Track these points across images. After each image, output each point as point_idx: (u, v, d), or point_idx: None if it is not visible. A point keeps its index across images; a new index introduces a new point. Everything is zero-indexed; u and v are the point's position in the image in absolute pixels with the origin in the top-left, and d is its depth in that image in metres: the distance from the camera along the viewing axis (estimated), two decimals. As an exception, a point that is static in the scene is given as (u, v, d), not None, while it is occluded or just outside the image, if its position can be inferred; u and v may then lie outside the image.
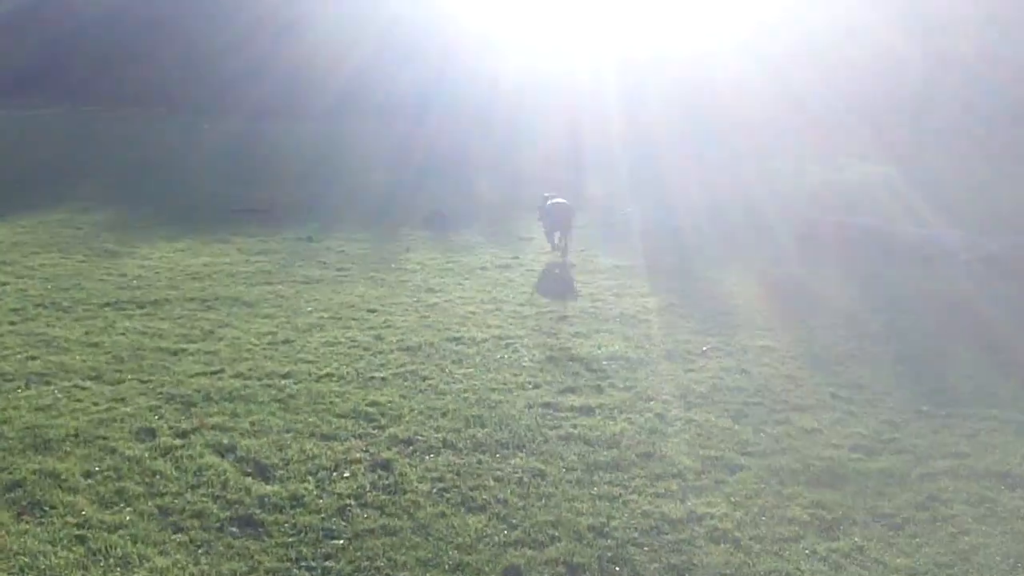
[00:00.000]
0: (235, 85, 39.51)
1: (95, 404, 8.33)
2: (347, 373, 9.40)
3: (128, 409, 8.18)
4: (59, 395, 8.50)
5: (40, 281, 12.87)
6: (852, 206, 19.47)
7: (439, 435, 7.88)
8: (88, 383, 8.85)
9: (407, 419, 8.20)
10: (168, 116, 38.41)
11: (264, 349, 10.10)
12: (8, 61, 48.83)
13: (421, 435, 7.86)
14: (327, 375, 9.32)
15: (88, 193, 20.72)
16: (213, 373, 9.22)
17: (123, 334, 10.53)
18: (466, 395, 8.88)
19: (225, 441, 7.59)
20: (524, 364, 9.89)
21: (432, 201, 19.86)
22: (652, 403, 8.87)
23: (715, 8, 36.44)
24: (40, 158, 25.72)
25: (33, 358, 9.51)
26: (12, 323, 10.87)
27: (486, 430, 8.03)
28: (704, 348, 10.68)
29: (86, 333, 10.53)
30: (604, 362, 10.00)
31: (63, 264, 13.93)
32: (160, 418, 8.01)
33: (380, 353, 10.08)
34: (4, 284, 12.64)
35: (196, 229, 17.03)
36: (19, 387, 8.69)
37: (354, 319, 11.48)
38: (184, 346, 10.10)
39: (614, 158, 25.96)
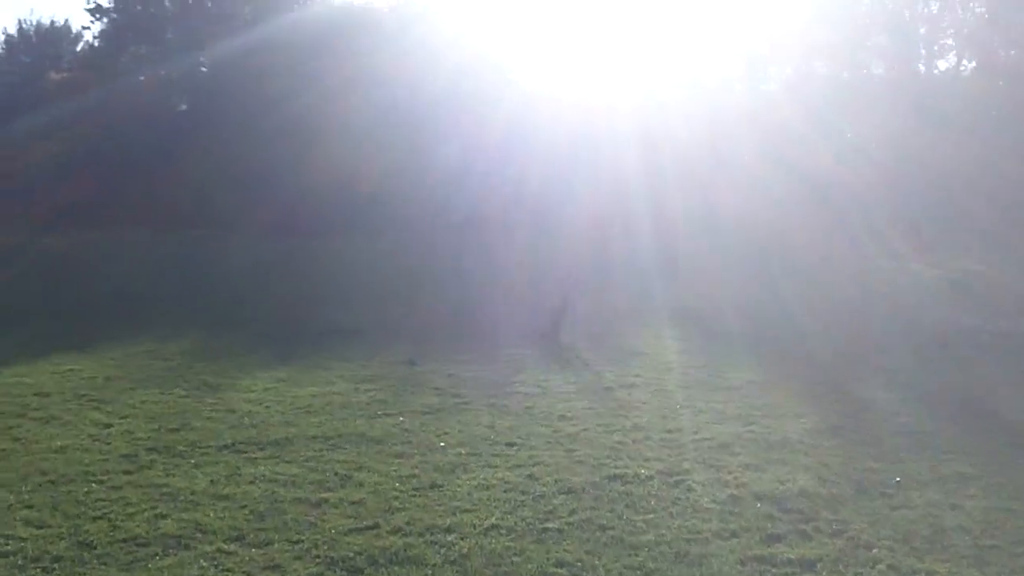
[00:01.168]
0: (295, 203, 39.16)
1: (249, 574, 7.19)
2: (515, 524, 8.30)
3: (288, 579, 7.06)
4: (204, 563, 7.43)
5: (144, 421, 11.91)
6: (978, 307, 18.23)
7: (654, 604, 6.69)
8: (232, 546, 7.79)
9: (607, 583, 7.02)
10: (226, 236, 37.87)
11: (412, 496, 9.05)
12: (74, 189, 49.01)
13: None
14: (493, 527, 8.22)
15: (165, 320, 20.02)
16: (368, 529, 8.15)
17: (252, 483, 9.48)
18: (661, 548, 7.74)
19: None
20: (706, 506, 8.76)
21: (524, 316, 18.86)
22: (876, 551, 7.67)
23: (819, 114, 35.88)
24: (113, 285, 25.01)
25: (163, 516, 8.49)
26: (127, 472, 9.85)
27: (707, 596, 6.83)
28: (897, 479, 9.48)
29: (211, 483, 9.48)
30: (795, 500, 8.78)
31: (164, 401, 12.98)
32: (329, 590, 6.87)
33: (541, 498, 8.99)
34: (108, 426, 11.68)
35: (289, 355, 16.19)
36: (156, 553, 7.65)
37: (495, 455, 10.41)
38: (324, 495, 9.05)
39: (705, 259, 24.96)
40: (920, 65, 39.97)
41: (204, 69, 50.88)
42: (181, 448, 10.79)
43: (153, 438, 11.16)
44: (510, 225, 32.63)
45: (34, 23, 59.80)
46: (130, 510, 8.72)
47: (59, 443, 10.94)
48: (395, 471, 9.88)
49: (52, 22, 60.37)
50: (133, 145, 48.66)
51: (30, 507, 8.82)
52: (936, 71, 40.95)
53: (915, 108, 34.50)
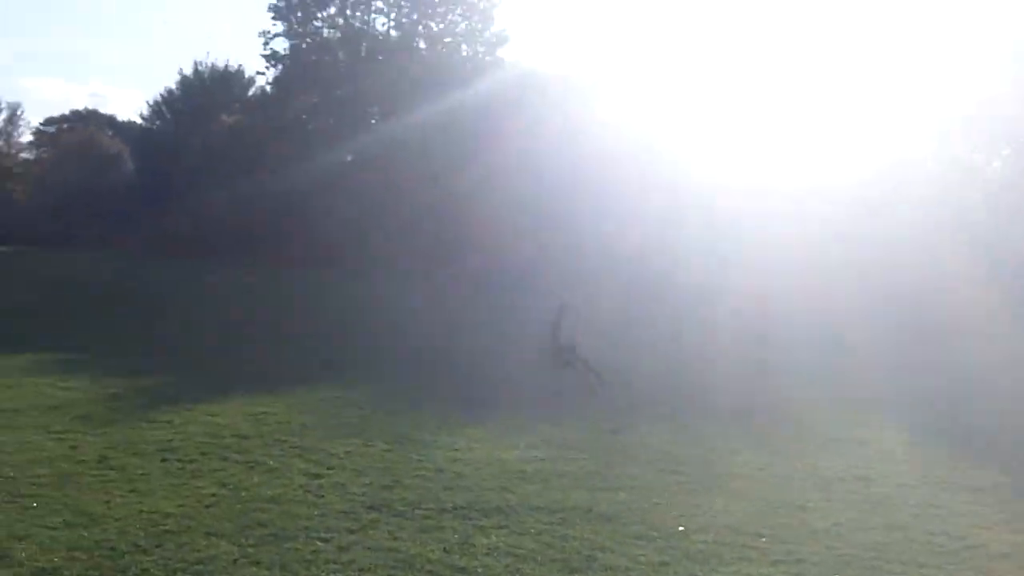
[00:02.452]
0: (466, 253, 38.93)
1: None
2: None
3: None
4: None
5: (353, 474, 11.20)
6: None
7: None
8: (491, 631, 6.76)
9: None
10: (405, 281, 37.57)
11: (672, 589, 7.88)
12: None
13: None
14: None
15: (350, 361, 19.38)
16: None
17: (489, 554, 8.64)
18: None
19: None
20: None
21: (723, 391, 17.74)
22: None
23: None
24: (294, 323, 24.70)
25: (404, 586, 7.55)
26: (351, 531, 9.12)
27: None
28: None
29: (445, 551, 8.67)
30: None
31: (368, 453, 12.32)
32: None
33: (822, 603, 7.73)
34: (317, 476, 11.01)
35: (486, 413, 15.57)
36: None
37: (746, 546, 9.32)
38: (573, 577, 7.98)
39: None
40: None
41: (374, 121, 51.33)
42: (400, 508, 10.01)
43: (368, 494, 10.41)
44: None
45: (208, 66, 61.71)
46: (368, 577, 7.85)
47: (269, 492, 10.28)
48: (642, 556, 8.85)
49: (226, 66, 62.21)
50: (297, 191, 49.26)
51: (257, 563, 8.07)
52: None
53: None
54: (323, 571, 8.01)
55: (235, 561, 8.08)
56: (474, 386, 17.54)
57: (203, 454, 11.86)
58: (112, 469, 10.89)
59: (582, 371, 17.22)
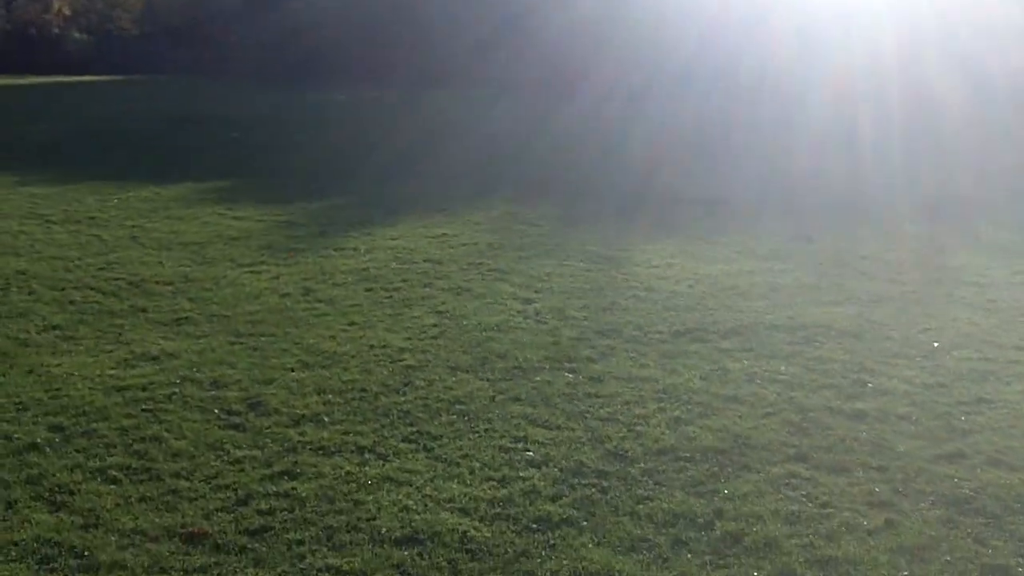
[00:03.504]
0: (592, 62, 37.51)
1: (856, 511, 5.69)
2: None
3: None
4: (786, 491, 5.92)
5: (564, 297, 10.86)
6: None
7: None
8: (799, 467, 6.29)
9: None
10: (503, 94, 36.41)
11: (971, 415, 7.23)
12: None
13: None
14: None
15: (503, 181, 18.70)
16: (957, 457, 6.43)
17: (750, 381, 8.22)
18: None
19: None
20: None
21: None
22: None
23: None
24: (433, 142, 24.01)
25: (684, 422, 7.17)
26: (592, 359, 8.66)
27: None
28: None
29: (703, 379, 8.23)
30: None
31: (569, 274, 11.90)
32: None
33: None
34: (528, 301, 10.57)
35: (666, 226, 15.02)
36: (713, 473, 6.20)
37: (1020, 362, 8.47)
38: (859, 406, 7.50)
39: None
40: None
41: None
42: (631, 332, 9.55)
43: (590, 319, 9.96)
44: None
45: None
46: (639, 411, 7.37)
47: (490, 319, 9.87)
48: (914, 377, 8.16)
49: None
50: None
51: (517, 400, 7.74)
52: None
53: None
54: (586, 405, 7.54)
55: (493, 398, 7.67)
56: (637, 202, 16.73)
57: (404, 280, 11.47)
58: (320, 302, 10.55)
59: None
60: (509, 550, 5.40)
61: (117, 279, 11.44)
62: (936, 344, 9.16)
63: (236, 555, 5.36)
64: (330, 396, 7.75)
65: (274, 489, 6.09)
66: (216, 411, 7.41)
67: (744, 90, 32.17)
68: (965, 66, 28.97)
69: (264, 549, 5.42)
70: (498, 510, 5.84)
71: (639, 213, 15.75)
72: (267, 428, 7.07)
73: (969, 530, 5.59)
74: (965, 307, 10.52)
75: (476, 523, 5.70)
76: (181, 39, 58.45)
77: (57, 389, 7.80)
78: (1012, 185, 18.21)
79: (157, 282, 11.38)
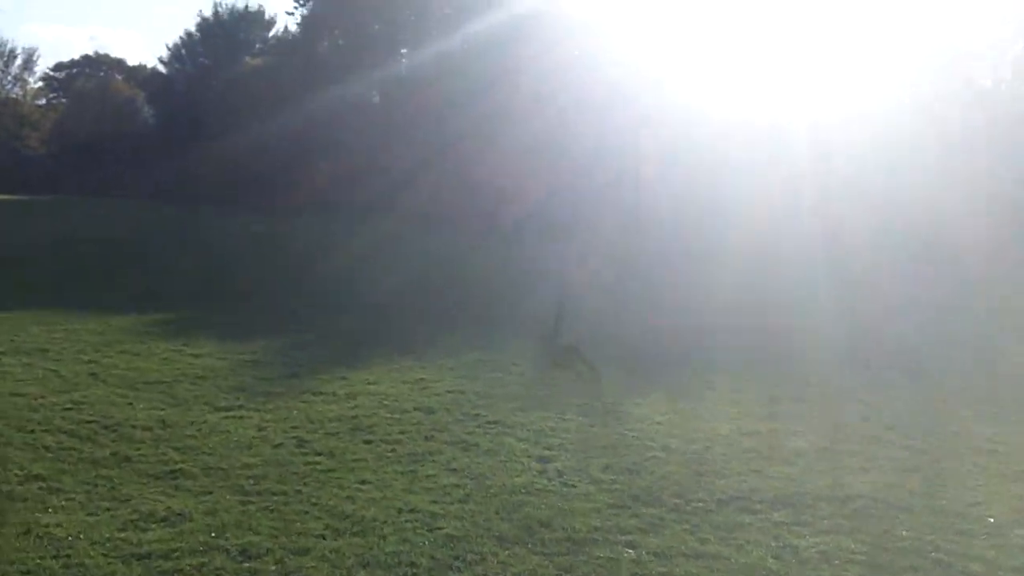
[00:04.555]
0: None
1: None
2: None
3: None
4: None
5: (581, 457, 10.35)
6: None
7: None
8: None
9: None
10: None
11: None
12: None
13: None
14: None
15: (462, 320, 18.14)
16: None
17: (825, 562, 7.62)
18: None
19: None
20: None
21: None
22: None
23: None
24: (390, 278, 23.38)
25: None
26: (644, 530, 8.03)
27: None
28: None
29: (775, 558, 7.48)
30: None
31: (570, 428, 11.47)
32: None
33: None
34: (548, 460, 10.06)
35: (632, 374, 14.52)
36: None
37: None
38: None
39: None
40: None
41: (404, 61, 49.68)
42: (671, 500, 9.08)
43: (620, 482, 9.46)
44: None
45: (228, 7, 59.66)
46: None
47: (514, 481, 9.22)
48: (995, 559, 7.68)
49: (247, 7, 60.17)
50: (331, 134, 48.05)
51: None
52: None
53: None
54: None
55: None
56: (608, 346, 16.31)
57: (402, 432, 10.71)
58: (320, 455, 9.73)
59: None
60: None
61: (89, 422, 10.43)
62: (992, 519, 8.69)
63: None
64: (380, 572, 6.90)
65: None
66: (257, 589, 6.48)
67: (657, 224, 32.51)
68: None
69: None
70: None
71: (613, 358, 15.21)
72: (322, 612, 6.19)
73: None
74: (994, 477, 10.12)
75: None
76: (90, 160, 57.29)
77: (67, 556, 6.83)
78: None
79: (133, 426, 10.40)
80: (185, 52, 61.18)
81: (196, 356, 14.22)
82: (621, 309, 19.62)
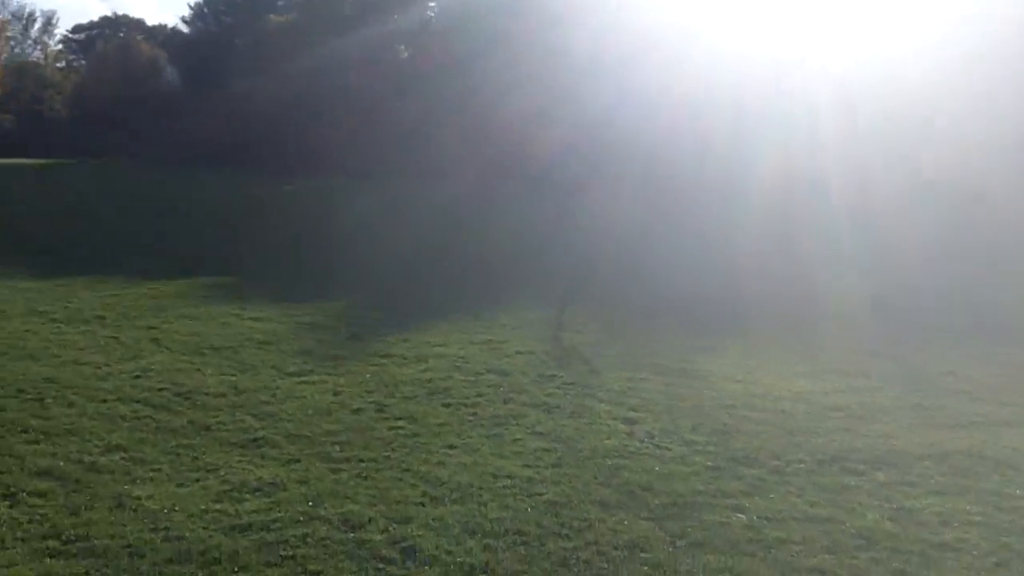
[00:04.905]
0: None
1: None
2: None
3: None
4: None
5: (667, 417, 10.03)
6: None
7: None
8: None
9: None
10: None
11: None
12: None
13: None
14: None
15: (525, 284, 17.89)
16: None
17: (945, 524, 7.34)
18: None
19: None
20: None
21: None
22: None
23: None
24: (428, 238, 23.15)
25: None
26: (747, 493, 7.79)
27: None
28: None
29: (891, 520, 7.20)
30: None
31: (651, 389, 11.15)
32: None
33: None
34: (633, 421, 9.76)
35: (703, 331, 14.36)
36: None
37: None
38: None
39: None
40: None
41: (431, 14, 49.00)
42: (771, 462, 8.79)
43: (715, 444, 9.22)
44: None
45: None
46: (849, 562, 6.48)
47: (605, 444, 9.03)
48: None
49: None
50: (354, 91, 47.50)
51: (699, 545, 6.77)
52: None
53: None
54: (785, 554, 6.67)
55: (673, 543, 6.65)
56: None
57: (479, 396, 10.49)
58: (401, 419, 9.51)
59: None
60: None
61: (160, 389, 10.20)
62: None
63: None
64: (488, 540, 6.68)
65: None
66: (367, 557, 6.28)
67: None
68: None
69: None
70: None
71: (671, 317, 14.96)
72: (441, 583, 6.00)
73: None
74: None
75: None
76: (114, 123, 56.99)
77: (165, 528, 6.62)
78: None
79: (206, 393, 10.16)
80: (208, 11, 60.63)
81: (256, 320, 13.99)
82: (674, 271, 19.35)
